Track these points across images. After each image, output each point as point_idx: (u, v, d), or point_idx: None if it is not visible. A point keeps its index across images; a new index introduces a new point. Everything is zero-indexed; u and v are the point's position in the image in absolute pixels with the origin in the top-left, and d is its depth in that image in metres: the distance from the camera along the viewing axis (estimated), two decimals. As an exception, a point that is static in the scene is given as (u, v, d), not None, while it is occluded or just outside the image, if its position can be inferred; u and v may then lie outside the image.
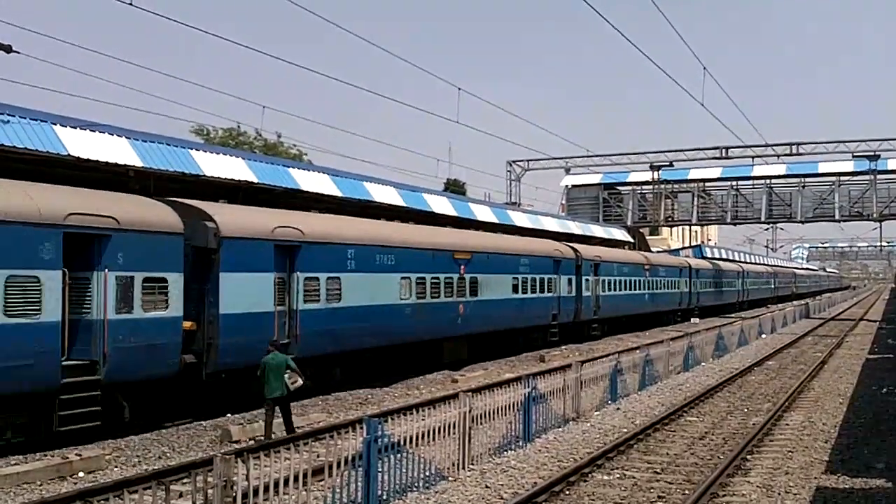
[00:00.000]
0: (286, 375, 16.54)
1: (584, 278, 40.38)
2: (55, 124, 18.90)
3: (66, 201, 15.80)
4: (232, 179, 23.33)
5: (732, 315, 63.51)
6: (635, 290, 48.61)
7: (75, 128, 19.39)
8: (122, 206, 17.06)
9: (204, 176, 22.38)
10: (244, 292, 19.40)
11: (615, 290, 44.83)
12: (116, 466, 14.75)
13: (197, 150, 23.62)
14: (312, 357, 21.15)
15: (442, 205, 35.58)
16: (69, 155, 18.65)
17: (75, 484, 13.41)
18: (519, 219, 43.62)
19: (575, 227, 50.68)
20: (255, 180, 24.22)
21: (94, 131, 19.89)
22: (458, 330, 29.33)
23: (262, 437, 16.58)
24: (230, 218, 19.60)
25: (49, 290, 15.01)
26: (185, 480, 12.39)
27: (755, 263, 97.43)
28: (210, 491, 9.17)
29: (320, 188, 27.21)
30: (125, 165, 20.13)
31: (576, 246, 41.36)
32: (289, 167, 27.62)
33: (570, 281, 38.81)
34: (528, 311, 34.51)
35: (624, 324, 47.16)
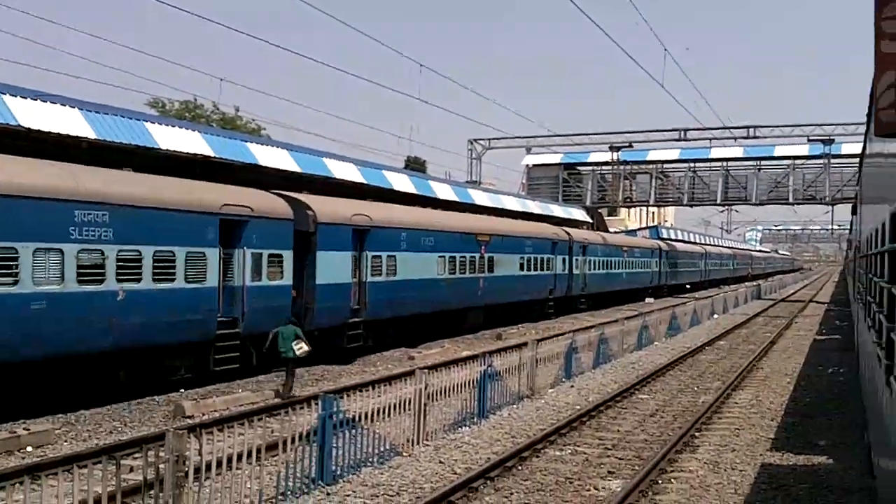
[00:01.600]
0: (294, 343, 19.03)
1: (574, 258, 45.75)
2: (5, 94, 18.54)
3: (220, 196, 20.49)
4: (188, 153, 23.07)
5: (690, 295, 64.36)
6: (616, 269, 54.52)
7: (26, 98, 19.00)
8: (254, 198, 21.60)
9: (159, 149, 22.13)
10: (332, 267, 24.14)
11: (600, 269, 50.63)
12: (66, 441, 14.64)
13: (152, 122, 23.30)
14: (375, 320, 26.30)
15: (402, 182, 35.53)
16: (20, 125, 18.30)
17: (23, 459, 13.27)
18: (479, 197, 43.72)
19: (535, 207, 50.89)
20: (212, 154, 23.97)
21: (45, 102, 19.49)
22: (477, 301, 34.23)
23: (281, 395, 18.88)
24: (323, 207, 24.19)
25: (211, 262, 19.64)
26: (136, 455, 12.33)
27: (716, 246, 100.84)
28: (162, 465, 9.16)
29: (279, 163, 26.99)
30: (78, 137, 19.82)
31: (569, 230, 46.68)
32: (246, 142, 27.35)
33: (563, 261, 44.09)
34: (531, 286, 39.92)
35: (606, 299, 52.29)
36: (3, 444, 13.77)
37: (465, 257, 32.54)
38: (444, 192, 39.76)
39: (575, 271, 45.96)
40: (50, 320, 15.83)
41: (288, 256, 22.31)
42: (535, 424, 16.25)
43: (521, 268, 38.37)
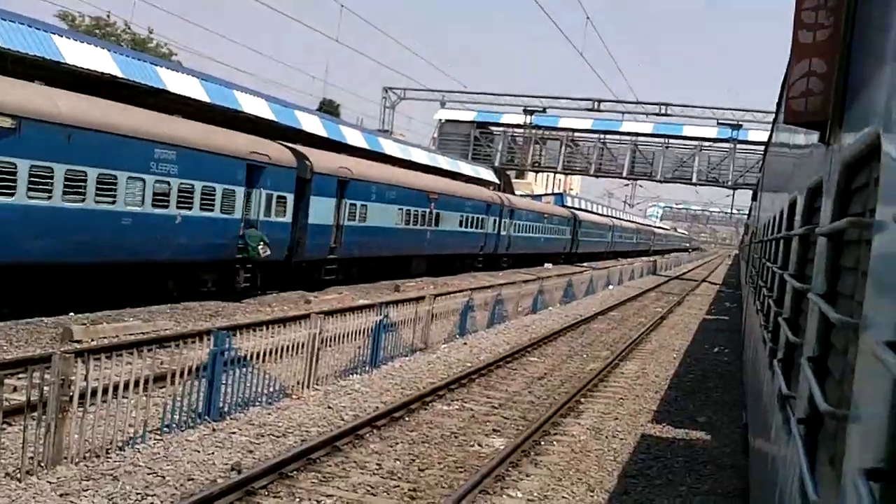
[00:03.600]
0: (259, 245, 23.90)
1: (503, 220, 50.40)
2: None
3: (248, 144, 24.65)
4: (95, 71, 22.24)
5: (588, 265, 65.60)
6: (536, 234, 59.00)
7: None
8: (270, 148, 25.68)
9: (66, 64, 21.26)
10: (321, 210, 28.63)
11: (524, 232, 55.50)
12: (-55, 356, 14.15)
13: (60, 35, 22.36)
14: (346, 258, 31.22)
15: (313, 124, 35.02)
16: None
17: None
18: (390, 147, 43.48)
19: (444, 163, 50.93)
20: (120, 75, 23.16)
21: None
22: (423, 251, 39.08)
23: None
24: (318, 159, 28.68)
25: (238, 198, 23.95)
26: (20, 376, 12.02)
27: (622, 220, 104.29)
28: (46, 388, 8.96)
29: (188, 91, 26.26)
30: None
31: (502, 195, 51.91)
32: (156, 65, 26.50)
33: (494, 222, 48.88)
34: (468, 242, 45.03)
35: (525, 260, 57.28)
36: None
37: (417, 211, 37.16)
38: (355, 138, 39.39)
39: (503, 232, 50.55)
40: (133, 233, 19.99)
41: (290, 199, 26.58)
42: (426, 378, 16.41)
43: (461, 224, 43.13)
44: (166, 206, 20.99)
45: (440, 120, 62.13)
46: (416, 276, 38.48)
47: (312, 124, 34.83)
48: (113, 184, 19.23)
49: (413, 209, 36.58)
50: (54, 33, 22.16)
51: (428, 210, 38.26)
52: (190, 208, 21.87)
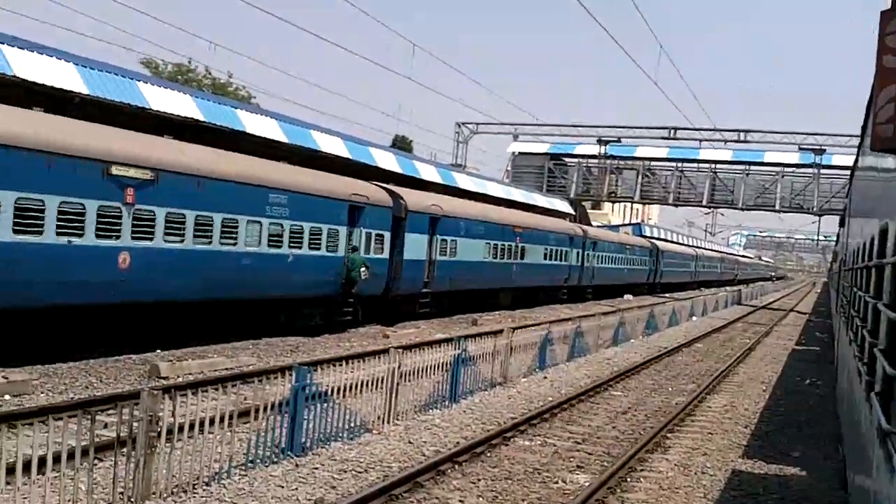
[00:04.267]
0: (362, 269, 25.63)
1: (586, 252, 51.07)
2: (3, 44, 18.35)
3: (349, 187, 26.34)
4: (178, 115, 22.89)
5: (670, 296, 64.59)
6: (619, 265, 59.64)
7: (23, 49, 18.84)
8: (369, 190, 27.42)
9: (150, 109, 21.93)
10: (414, 246, 30.10)
11: (605, 263, 55.78)
12: (43, 392, 14.60)
13: (144, 82, 23.09)
14: (438, 292, 32.56)
15: (388, 160, 35.41)
16: (14, 75, 18.15)
17: (0, 406, 13.20)
18: (464, 182, 43.60)
19: (518, 195, 50.84)
20: (202, 119, 23.80)
21: (41, 54, 19.34)
22: (510, 283, 40.35)
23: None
24: (411, 198, 30.27)
25: (341, 238, 25.43)
26: (111, 412, 12.27)
27: (706, 249, 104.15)
28: (135, 424, 9.11)
29: (267, 133, 26.87)
30: (71, 91, 19.63)
31: (582, 227, 52.76)
32: (236, 108, 27.17)
33: (577, 254, 49.69)
34: (552, 274, 46.05)
35: (609, 291, 57.55)
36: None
37: (504, 245, 38.45)
38: (430, 173, 39.66)
39: (586, 264, 51.45)
40: (251, 272, 21.65)
41: (387, 236, 28.17)
42: (506, 412, 16.25)
43: (545, 257, 44.34)
44: (279, 247, 22.76)
45: (513, 153, 62.12)
46: (503, 308, 39.49)
47: (387, 160, 35.20)
48: (234, 227, 21.01)
49: (500, 243, 37.86)
50: (139, 80, 22.93)
51: (514, 244, 39.47)
52: (300, 248, 23.59)
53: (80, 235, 16.81)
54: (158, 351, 19.23)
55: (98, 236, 17.20)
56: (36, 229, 15.96)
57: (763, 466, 13.91)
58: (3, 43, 18.37)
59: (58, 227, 16.32)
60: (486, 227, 36.25)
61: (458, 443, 13.22)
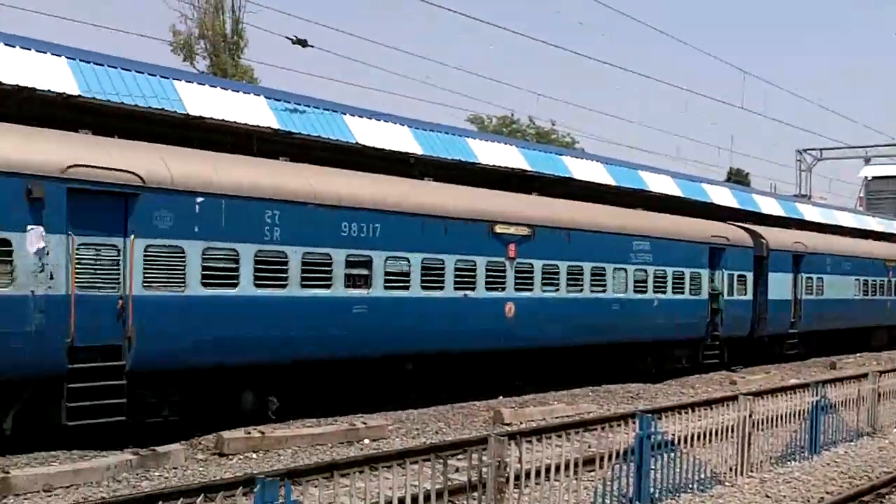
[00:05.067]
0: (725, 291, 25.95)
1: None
2: (345, 114, 20.06)
3: (708, 229, 27.07)
4: (505, 167, 23.60)
5: None
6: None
7: (362, 117, 20.44)
8: (728, 231, 28.06)
9: (479, 164, 22.84)
10: (778, 286, 29.68)
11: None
12: (397, 437, 15.50)
13: (472, 138, 24.12)
14: (805, 332, 31.43)
15: (723, 196, 33.98)
16: (357, 143, 19.69)
17: (361, 449, 14.23)
18: (809, 213, 40.81)
19: (874, 224, 46.70)
20: (528, 168, 24.33)
21: (378, 120, 20.85)
22: (885, 321, 38.15)
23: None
24: (772, 236, 30.00)
25: (704, 280, 26.10)
26: (460, 456, 12.63)
27: None
28: (484, 469, 9.26)
29: (593, 176, 26.83)
30: (407, 153, 20.97)
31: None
32: (561, 155, 27.48)
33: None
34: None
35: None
36: (344, 434, 15.06)
37: (875, 281, 36.73)
38: (770, 206, 37.51)
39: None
40: (620, 317, 22.76)
41: (749, 277, 28.10)
42: (878, 466, 14.63)
43: None
44: (644, 292, 23.70)
45: (866, 177, 57.54)
46: (878, 348, 37.26)
47: (721, 196, 33.82)
48: (602, 275, 22.28)
49: (870, 279, 36.34)
50: (467, 136, 24.06)
51: (886, 279, 37.82)
52: (664, 292, 24.42)
53: (473, 289, 18.85)
54: (500, 397, 19.66)
55: (488, 289, 19.14)
56: (438, 285, 18.11)
57: None
58: (345, 113, 20.09)
59: (455, 282, 18.45)
60: (854, 262, 34.91)
61: (821, 498, 12.10)
